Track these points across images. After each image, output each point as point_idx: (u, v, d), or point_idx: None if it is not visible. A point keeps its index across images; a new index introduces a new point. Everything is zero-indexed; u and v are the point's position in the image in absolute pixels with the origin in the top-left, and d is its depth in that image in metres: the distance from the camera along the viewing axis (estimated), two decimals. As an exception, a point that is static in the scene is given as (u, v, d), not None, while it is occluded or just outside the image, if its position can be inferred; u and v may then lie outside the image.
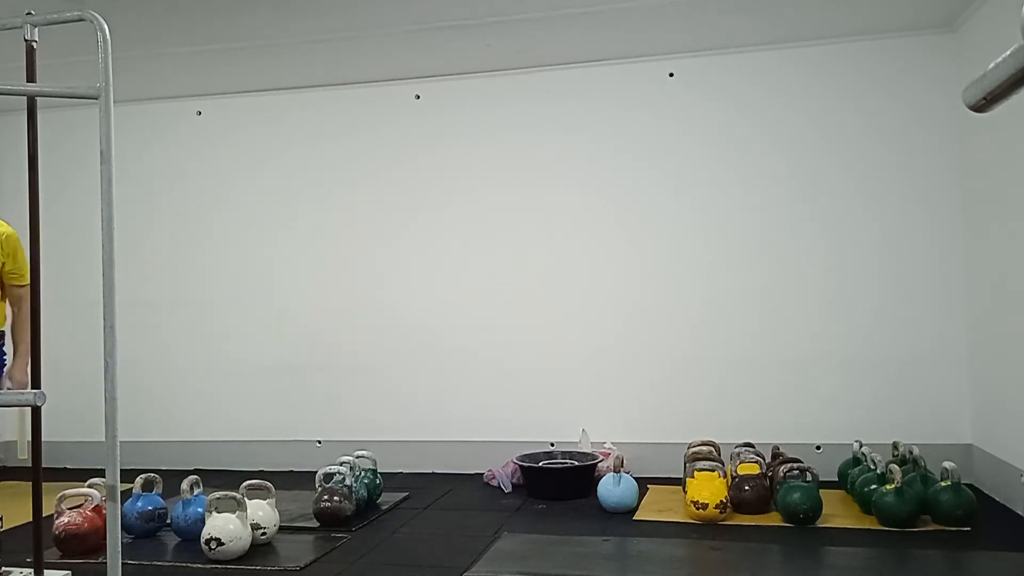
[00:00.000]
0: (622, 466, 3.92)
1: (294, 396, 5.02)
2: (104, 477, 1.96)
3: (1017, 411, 3.61)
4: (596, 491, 3.92)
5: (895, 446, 3.92)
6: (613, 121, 4.65)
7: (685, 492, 3.76)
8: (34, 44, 2.62)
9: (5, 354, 3.34)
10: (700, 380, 4.51)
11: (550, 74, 4.73)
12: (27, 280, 3.23)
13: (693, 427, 4.39)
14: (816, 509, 3.51)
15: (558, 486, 4.21)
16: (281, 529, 3.56)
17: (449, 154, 4.88)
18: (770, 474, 3.80)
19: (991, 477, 3.89)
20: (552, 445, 4.59)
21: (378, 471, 4.15)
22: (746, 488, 3.72)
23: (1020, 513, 3.56)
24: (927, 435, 4.12)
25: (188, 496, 3.57)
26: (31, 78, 2.65)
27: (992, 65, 1.02)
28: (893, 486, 3.41)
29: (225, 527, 3.26)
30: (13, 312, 3.36)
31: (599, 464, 4.26)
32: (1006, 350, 3.74)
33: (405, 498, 4.22)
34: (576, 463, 4.34)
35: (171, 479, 4.03)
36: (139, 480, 3.71)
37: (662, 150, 4.60)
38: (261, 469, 4.85)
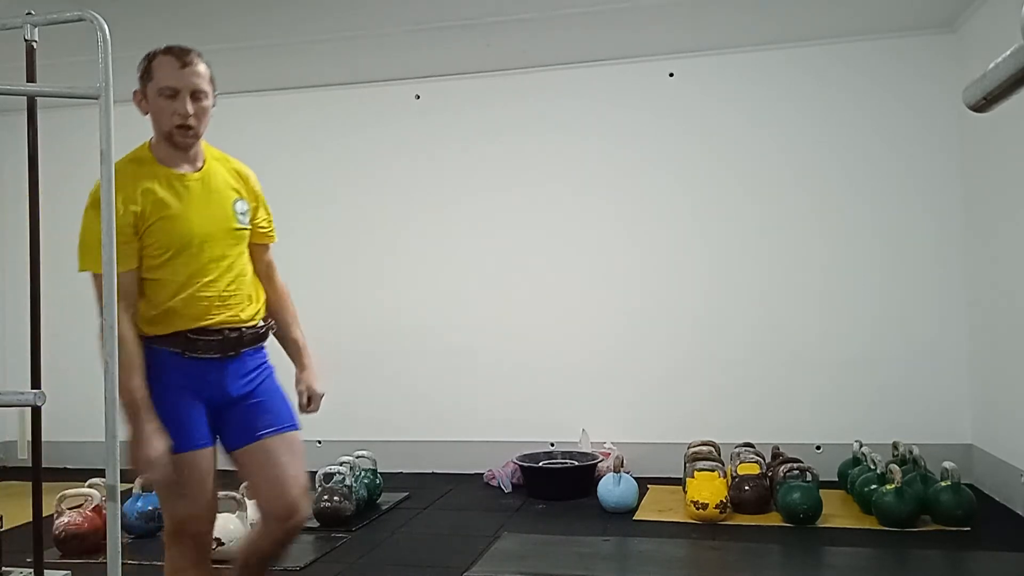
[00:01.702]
0: (622, 466, 3.92)
1: (294, 396, 5.01)
2: (104, 477, 1.97)
3: (1017, 411, 3.61)
4: (596, 491, 3.92)
5: (895, 446, 3.92)
6: (613, 121, 4.65)
7: (685, 492, 3.76)
8: (34, 44, 2.62)
9: (266, 357, 2.24)
10: (700, 380, 4.50)
11: (550, 74, 4.73)
12: (275, 237, 2.37)
13: (693, 427, 4.39)
14: (816, 509, 3.51)
15: (558, 486, 4.21)
16: (281, 529, 3.56)
17: (449, 154, 4.88)
18: (770, 474, 3.80)
19: (991, 477, 3.89)
20: (552, 445, 4.59)
21: (378, 471, 4.15)
22: (746, 488, 3.72)
23: (1020, 513, 3.56)
24: (927, 435, 4.12)
25: (188, 496, 3.56)
26: (31, 78, 2.66)
27: (992, 65, 1.02)
28: (893, 486, 3.41)
29: (225, 527, 3.26)
30: (271, 291, 2.30)
31: (599, 464, 4.26)
32: (1006, 350, 3.74)
33: (405, 498, 4.22)
34: (576, 463, 4.34)
35: (171, 479, 4.02)
36: (139, 480, 3.71)
37: (662, 150, 4.59)
38: (261, 469, 4.84)
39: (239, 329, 2.10)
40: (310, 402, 2.37)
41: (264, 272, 2.30)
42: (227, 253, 2.10)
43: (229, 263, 2.10)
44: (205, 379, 2.07)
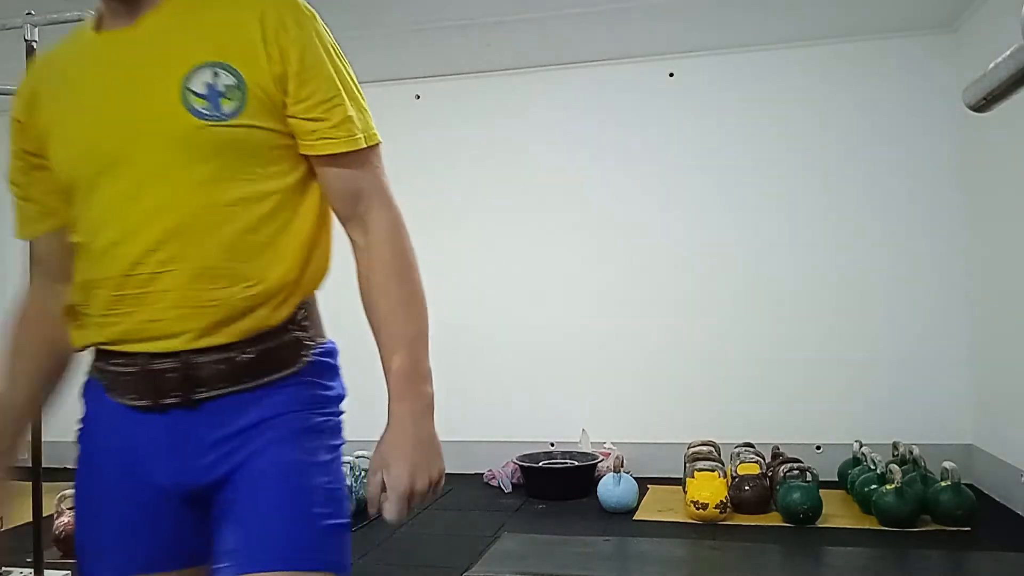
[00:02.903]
0: (622, 466, 3.92)
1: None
2: (104, 477, 1.97)
3: (1017, 411, 3.61)
4: (596, 491, 3.92)
5: (895, 446, 3.91)
6: (613, 121, 4.65)
7: (685, 492, 3.75)
8: (34, 44, 2.62)
9: (336, 369, 1.30)
10: (700, 380, 4.50)
11: (550, 74, 4.72)
12: (368, 139, 1.26)
13: (693, 427, 4.38)
14: (816, 509, 3.51)
15: (558, 486, 4.21)
16: (281, 529, 3.56)
17: (449, 154, 4.87)
18: (770, 474, 3.80)
19: (991, 477, 3.89)
20: (552, 445, 4.58)
21: (378, 471, 4.14)
22: (746, 488, 3.71)
23: (1020, 513, 3.56)
24: (927, 435, 4.11)
25: (188, 496, 3.56)
26: (31, 78, 2.65)
27: (992, 65, 1.02)
28: (893, 486, 3.41)
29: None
30: (361, 245, 1.23)
31: (599, 464, 4.26)
32: (1007, 350, 3.74)
33: (405, 498, 4.22)
34: (576, 463, 4.34)
35: (171, 479, 4.03)
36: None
37: (662, 150, 4.59)
38: (261, 469, 4.84)
39: (179, 353, 1.05)
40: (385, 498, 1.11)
41: (342, 213, 1.20)
42: (163, 183, 1.02)
43: (169, 202, 1.02)
44: (145, 443, 1.08)
